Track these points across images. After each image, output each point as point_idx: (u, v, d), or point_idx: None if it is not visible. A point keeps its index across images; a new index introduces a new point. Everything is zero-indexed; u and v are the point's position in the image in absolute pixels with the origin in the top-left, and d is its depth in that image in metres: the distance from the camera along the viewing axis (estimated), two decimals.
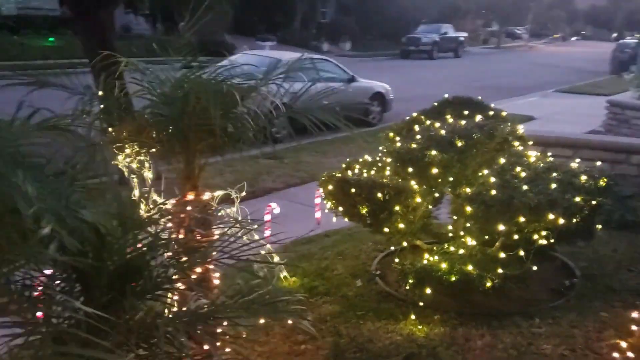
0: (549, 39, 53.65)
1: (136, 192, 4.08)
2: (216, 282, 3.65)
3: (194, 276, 3.14)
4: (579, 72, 24.23)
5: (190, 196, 3.53)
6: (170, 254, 2.22)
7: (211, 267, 3.56)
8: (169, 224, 3.41)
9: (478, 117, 4.71)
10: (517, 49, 43.62)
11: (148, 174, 4.18)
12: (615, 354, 3.20)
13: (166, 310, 2.16)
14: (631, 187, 6.06)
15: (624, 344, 3.14)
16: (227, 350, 3.71)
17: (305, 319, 2.95)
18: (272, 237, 5.60)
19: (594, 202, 4.03)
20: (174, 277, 2.07)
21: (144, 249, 2.04)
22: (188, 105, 3.12)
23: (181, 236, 2.89)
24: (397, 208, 4.29)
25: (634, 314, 3.30)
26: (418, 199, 4.31)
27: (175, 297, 3.21)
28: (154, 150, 3.76)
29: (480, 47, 42.98)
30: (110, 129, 3.50)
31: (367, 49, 33.45)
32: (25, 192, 1.65)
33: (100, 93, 3.34)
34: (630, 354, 3.07)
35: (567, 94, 17.13)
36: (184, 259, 2.12)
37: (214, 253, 2.74)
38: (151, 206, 3.51)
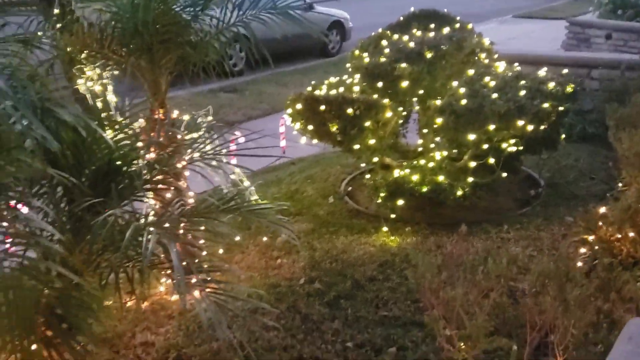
0: None
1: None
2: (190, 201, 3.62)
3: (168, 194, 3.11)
4: None
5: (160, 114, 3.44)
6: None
7: (184, 185, 3.53)
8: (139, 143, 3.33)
9: (445, 30, 4.67)
10: None
11: (112, 97, 4.03)
12: (583, 249, 3.34)
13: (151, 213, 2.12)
14: (592, 101, 6.18)
15: (591, 238, 3.27)
16: (205, 266, 3.73)
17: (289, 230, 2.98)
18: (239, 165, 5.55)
19: (561, 108, 4.09)
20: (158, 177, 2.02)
21: (127, 148, 1.98)
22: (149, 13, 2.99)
23: (152, 155, 2.84)
24: (367, 123, 4.27)
25: (601, 209, 3.42)
26: (389, 113, 4.30)
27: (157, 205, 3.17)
28: (117, 71, 3.64)
29: None
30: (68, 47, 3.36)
31: None
32: None
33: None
34: (596, 247, 3.20)
35: (525, 19, 17.05)
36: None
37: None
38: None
